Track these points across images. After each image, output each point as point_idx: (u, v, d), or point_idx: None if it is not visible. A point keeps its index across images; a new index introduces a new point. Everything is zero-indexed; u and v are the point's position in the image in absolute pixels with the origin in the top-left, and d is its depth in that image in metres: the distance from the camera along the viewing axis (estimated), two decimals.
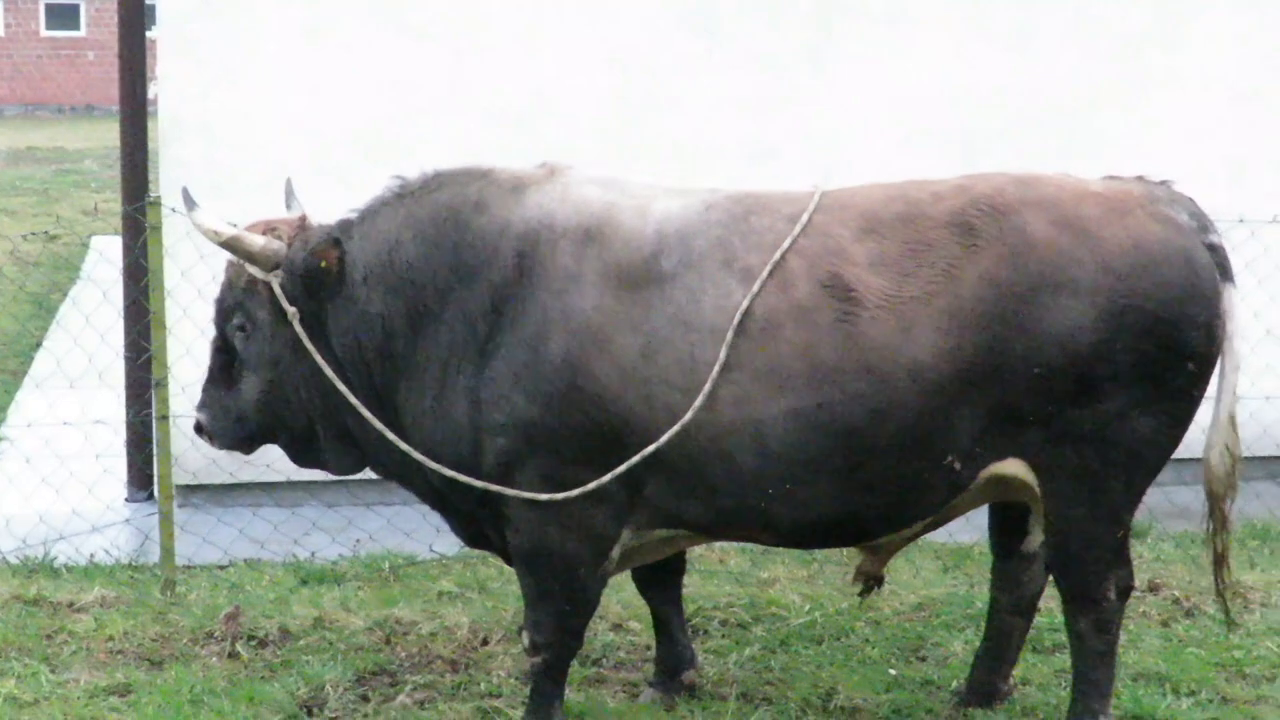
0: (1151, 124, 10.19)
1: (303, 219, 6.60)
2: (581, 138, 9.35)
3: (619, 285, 6.04)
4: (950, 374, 5.86)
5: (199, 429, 6.71)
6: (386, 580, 8.49)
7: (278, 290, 6.36)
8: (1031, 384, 5.88)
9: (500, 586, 8.29)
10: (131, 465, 10.02)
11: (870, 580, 6.74)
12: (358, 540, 9.10)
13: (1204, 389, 6.08)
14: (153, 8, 9.95)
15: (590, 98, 9.81)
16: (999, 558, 6.71)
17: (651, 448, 5.97)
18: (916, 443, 5.93)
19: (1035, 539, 6.52)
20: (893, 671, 7.18)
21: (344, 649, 7.38)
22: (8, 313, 14.22)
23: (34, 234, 12.44)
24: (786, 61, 10.00)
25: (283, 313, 6.36)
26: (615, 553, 6.30)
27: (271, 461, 8.81)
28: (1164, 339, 5.89)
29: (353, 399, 6.32)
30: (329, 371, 6.33)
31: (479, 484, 6.17)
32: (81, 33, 44.63)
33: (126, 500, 9.99)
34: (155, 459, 8.54)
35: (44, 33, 44.37)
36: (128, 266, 9.68)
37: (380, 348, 6.32)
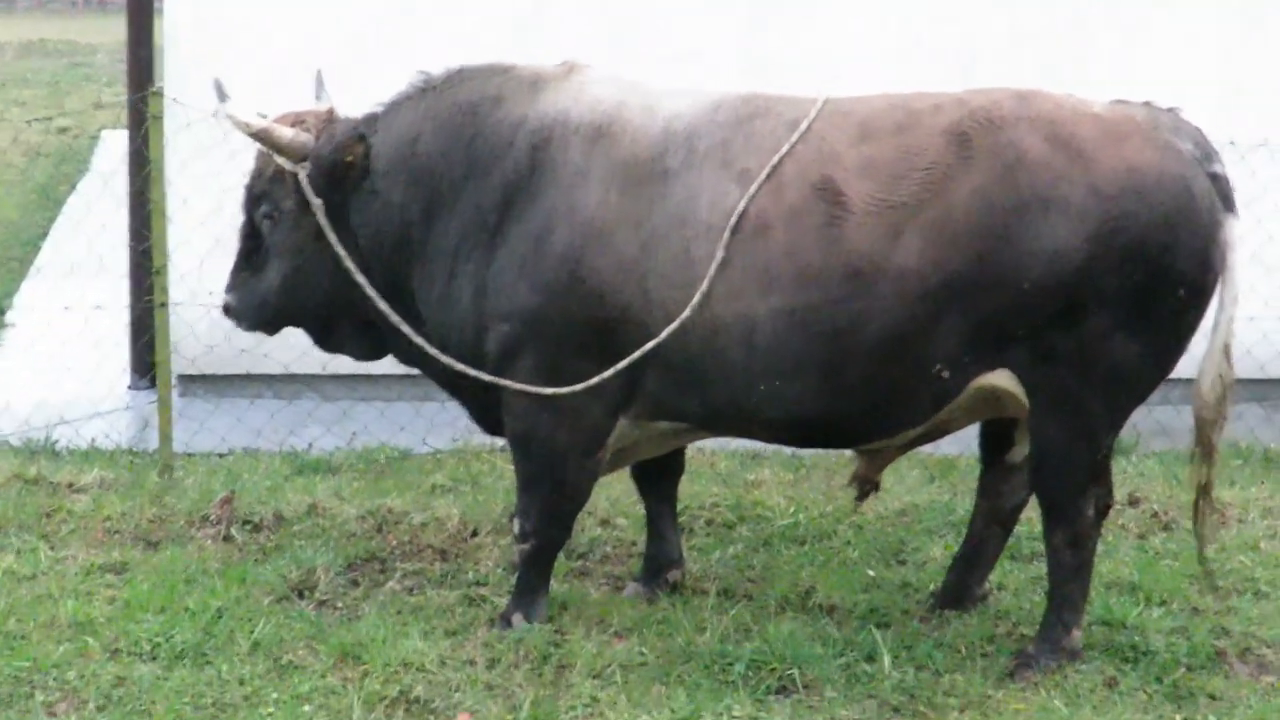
0: (1143, 43, 10.23)
1: (330, 112, 6.75)
2: (578, 43, 9.40)
3: (624, 182, 6.21)
4: (936, 283, 5.96)
5: (227, 310, 6.91)
6: (380, 472, 8.65)
7: (304, 181, 6.53)
8: (1018, 299, 5.97)
9: (491, 481, 8.45)
10: (134, 353, 10.16)
11: (866, 484, 6.90)
12: (354, 433, 9.25)
13: (1196, 317, 6.13)
14: None
15: (589, 5, 9.87)
16: (985, 466, 6.84)
17: (650, 344, 6.14)
18: (900, 349, 6.05)
19: (1020, 451, 6.63)
20: (871, 573, 7.32)
21: (336, 536, 7.53)
22: (14, 203, 14.33)
23: (39, 119, 12.51)
24: None
25: (308, 203, 6.54)
26: (608, 444, 6.47)
27: (269, 352, 8.99)
28: (1153, 265, 5.95)
29: (369, 289, 6.51)
30: (349, 262, 6.52)
31: (480, 375, 6.37)
32: None
33: (129, 387, 10.14)
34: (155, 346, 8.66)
35: None
36: (132, 156, 9.79)
37: (398, 236, 6.52)
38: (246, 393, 9.81)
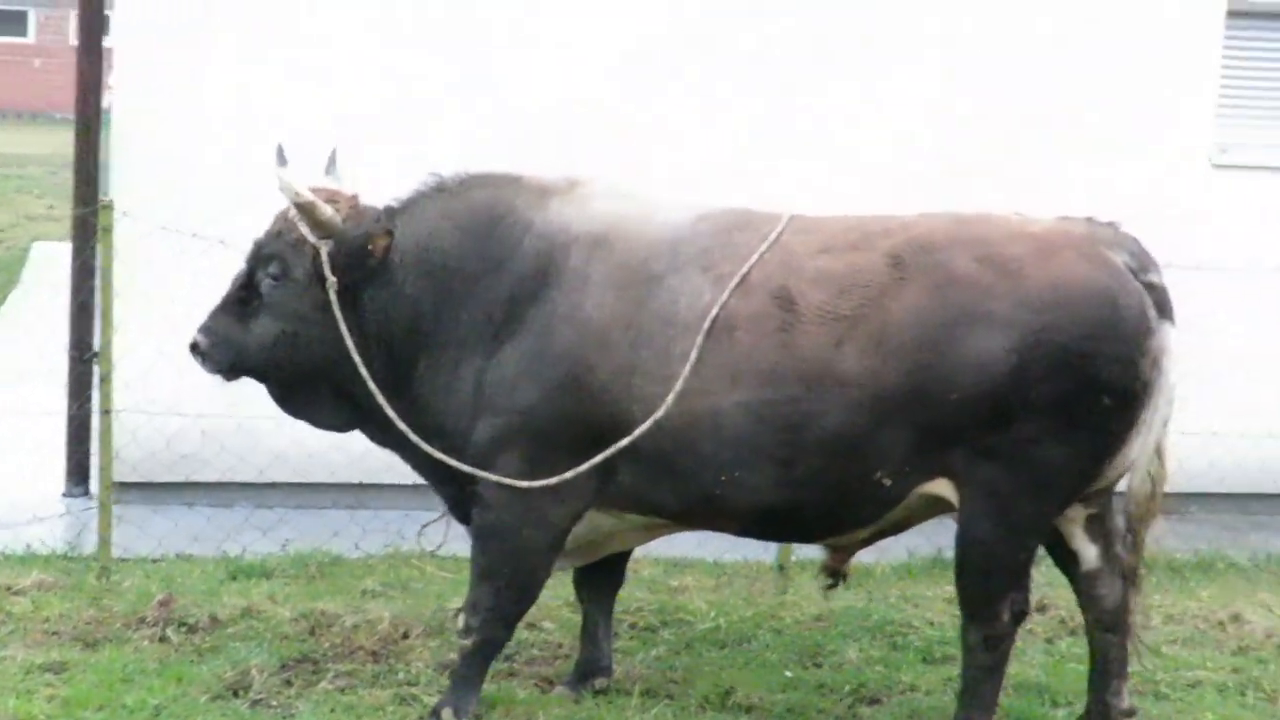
0: (1065, 167, 10.67)
1: (355, 198, 7.08)
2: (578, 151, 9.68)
3: (619, 286, 6.63)
4: (873, 391, 6.35)
5: (194, 347, 7.13)
6: (313, 577, 8.84)
7: (324, 258, 6.84)
8: (952, 408, 6.33)
9: (421, 586, 8.68)
10: (70, 460, 10.34)
11: (834, 575, 7.23)
12: (286, 540, 9.45)
13: (1125, 423, 6.44)
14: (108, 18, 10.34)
15: (588, 114, 10.26)
16: (1072, 580, 7.05)
17: (628, 439, 6.51)
18: (846, 450, 6.42)
19: (1089, 555, 6.88)
20: (789, 674, 7.59)
21: (270, 637, 7.72)
22: None
23: None
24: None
25: (322, 277, 6.85)
26: (566, 545, 6.83)
27: (209, 459, 9.25)
28: (1079, 373, 6.30)
29: (365, 374, 6.81)
30: (351, 347, 6.82)
31: (460, 465, 6.71)
32: (29, 39, 44.75)
33: (63, 494, 10.32)
34: (98, 451, 8.86)
35: None
36: (74, 267, 10.05)
37: (409, 326, 6.88)
38: (181, 500, 10.00)
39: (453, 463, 6.73)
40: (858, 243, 6.56)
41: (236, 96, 10.01)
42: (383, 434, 7.08)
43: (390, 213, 7.00)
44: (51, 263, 9.75)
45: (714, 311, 6.48)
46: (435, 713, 6.85)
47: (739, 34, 10.45)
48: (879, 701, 7.38)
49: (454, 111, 10.08)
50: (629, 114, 10.22)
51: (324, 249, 6.86)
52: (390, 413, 6.83)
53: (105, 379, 8.56)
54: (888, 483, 6.49)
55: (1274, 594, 9.22)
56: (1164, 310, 6.49)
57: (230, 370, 7.17)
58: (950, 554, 9.13)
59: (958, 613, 8.25)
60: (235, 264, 8.30)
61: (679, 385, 6.44)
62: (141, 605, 7.99)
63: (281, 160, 6.96)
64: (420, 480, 9.62)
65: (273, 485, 10.01)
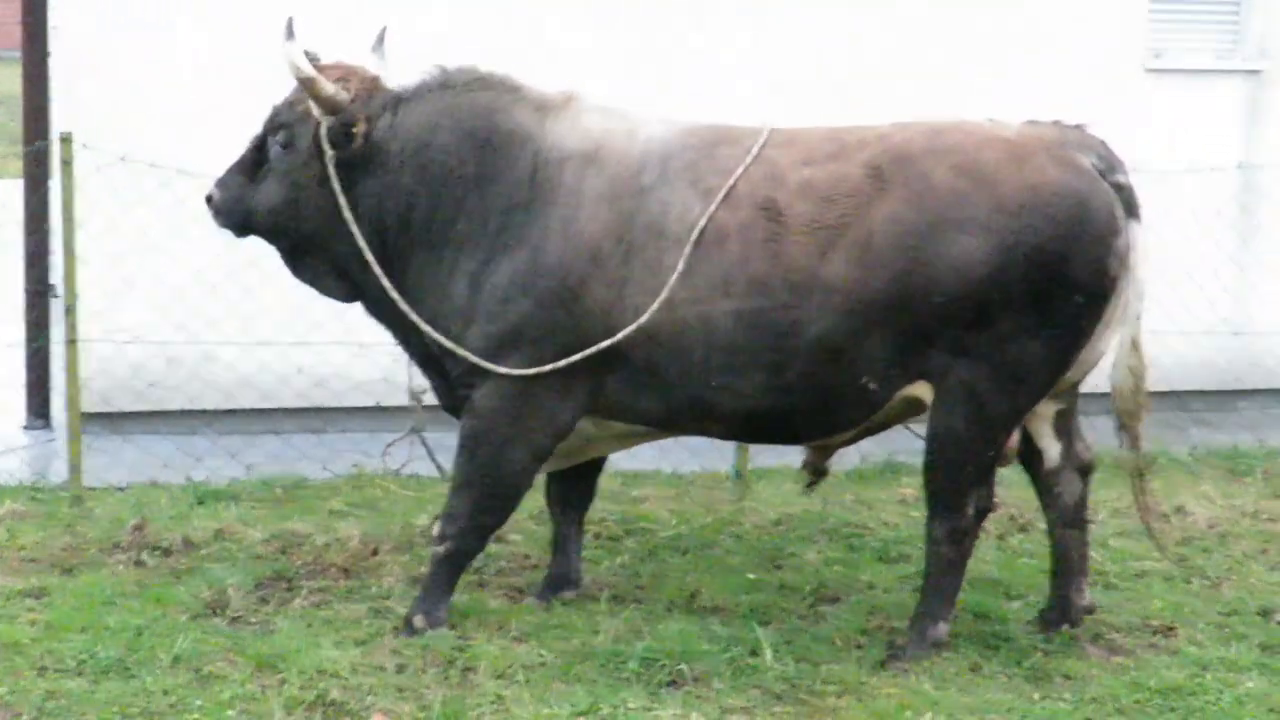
0: (1001, 74, 10.89)
1: (376, 79, 7.22)
2: None
3: (610, 199, 6.83)
4: (859, 298, 6.57)
5: (209, 200, 7.34)
6: (280, 500, 9.01)
7: (324, 132, 7.02)
8: (934, 311, 6.56)
9: (387, 505, 8.87)
10: (30, 393, 10.46)
11: (816, 472, 7.50)
12: (251, 464, 9.61)
13: (1093, 320, 6.69)
14: None
15: (466, 47, 10.29)
16: (1033, 478, 7.31)
17: (615, 338, 6.74)
18: (832, 356, 6.66)
19: (1052, 452, 7.15)
20: (751, 576, 7.82)
21: (243, 558, 7.91)
22: None
23: None
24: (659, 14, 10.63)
25: (321, 150, 7.04)
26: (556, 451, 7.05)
27: (178, 385, 9.42)
28: (1053, 272, 6.54)
29: (369, 254, 7.02)
30: (349, 219, 7.03)
31: (467, 355, 6.89)
32: None
33: (24, 427, 10.44)
34: (63, 382, 8.99)
35: None
36: (27, 199, 10.15)
37: (402, 217, 7.05)
38: (148, 428, 10.13)
39: (459, 350, 6.90)
40: (836, 154, 6.76)
41: (187, 21, 10.09)
42: (377, 309, 7.30)
43: (396, 99, 7.13)
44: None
45: (701, 223, 6.68)
46: (407, 621, 7.05)
47: None
48: (839, 600, 7.61)
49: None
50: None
51: (325, 123, 7.02)
52: (394, 294, 7.03)
53: (70, 310, 8.68)
54: (874, 386, 6.73)
55: (1215, 487, 9.54)
56: (1131, 209, 6.73)
57: (239, 228, 7.37)
58: (902, 459, 9.60)
59: (912, 514, 8.64)
60: (194, 191, 8.50)
61: (664, 294, 6.65)
62: (115, 531, 8.15)
63: (289, 34, 7.02)
64: (383, 401, 9.92)
65: (238, 411, 10.19)
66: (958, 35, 10.99)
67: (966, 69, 10.91)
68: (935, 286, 6.53)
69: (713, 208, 6.70)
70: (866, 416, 6.91)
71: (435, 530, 7.13)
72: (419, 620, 7.04)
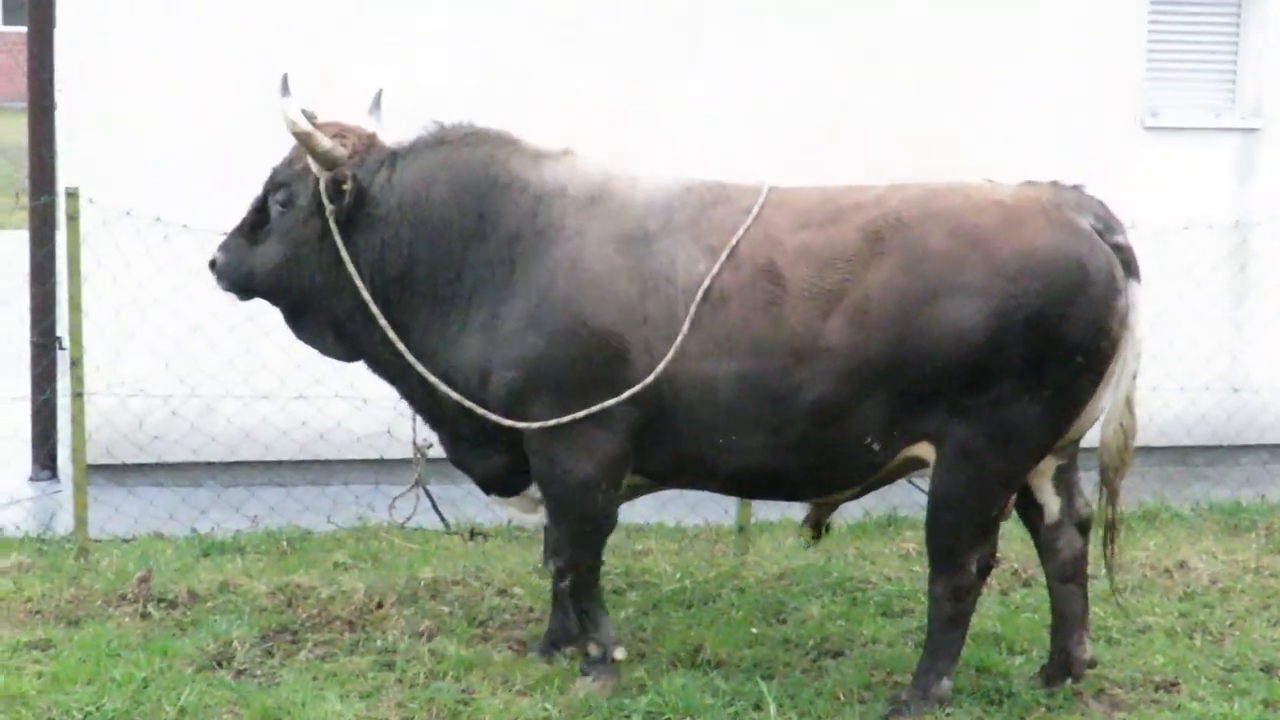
0: (994, 132, 10.98)
1: (373, 135, 7.29)
2: None
3: (616, 241, 6.88)
4: (857, 363, 6.62)
5: (212, 264, 7.40)
6: (284, 552, 9.03)
7: (323, 187, 7.08)
8: (932, 375, 6.61)
9: (391, 558, 8.89)
10: (35, 445, 10.50)
11: (817, 527, 7.56)
12: (256, 516, 9.63)
13: (1093, 381, 6.73)
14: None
15: (456, 98, 10.38)
16: (1033, 533, 7.34)
17: (640, 385, 6.75)
18: (833, 418, 6.70)
19: (1053, 507, 7.18)
20: (754, 630, 7.84)
21: (248, 610, 7.93)
22: None
23: None
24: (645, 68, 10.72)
25: (321, 206, 7.09)
26: (626, 472, 7.06)
27: (179, 439, 9.46)
28: (1051, 335, 6.57)
29: (374, 307, 7.07)
30: (354, 273, 7.08)
31: (487, 414, 6.93)
32: None
33: (30, 479, 10.47)
34: (69, 434, 9.03)
35: None
36: (33, 254, 10.20)
37: (404, 271, 7.09)
38: (152, 480, 10.17)
39: (479, 410, 6.95)
40: (834, 217, 6.81)
41: (191, 79, 10.15)
42: (379, 366, 7.33)
43: (393, 155, 7.20)
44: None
45: (708, 280, 6.73)
46: (584, 653, 7.20)
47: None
48: (842, 654, 7.64)
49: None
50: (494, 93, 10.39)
51: (323, 178, 7.07)
52: (404, 349, 7.05)
53: (76, 363, 8.72)
54: (876, 447, 6.77)
55: (1217, 541, 9.56)
56: (1131, 269, 6.77)
57: (242, 290, 7.42)
58: (904, 513, 9.63)
59: (914, 569, 8.66)
60: (197, 247, 8.58)
61: (678, 341, 6.71)
62: (120, 583, 8.18)
63: (285, 90, 7.08)
64: (386, 454, 9.96)
65: (241, 463, 10.24)
66: (951, 95, 11.06)
67: (960, 130, 10.99)
68: (933, 351, 6.57)
69: (717, 266, 6.75)
70: (868, 476, 6.96)
71: (552, 569, 7.28)
72: (594, 649, 7.17)
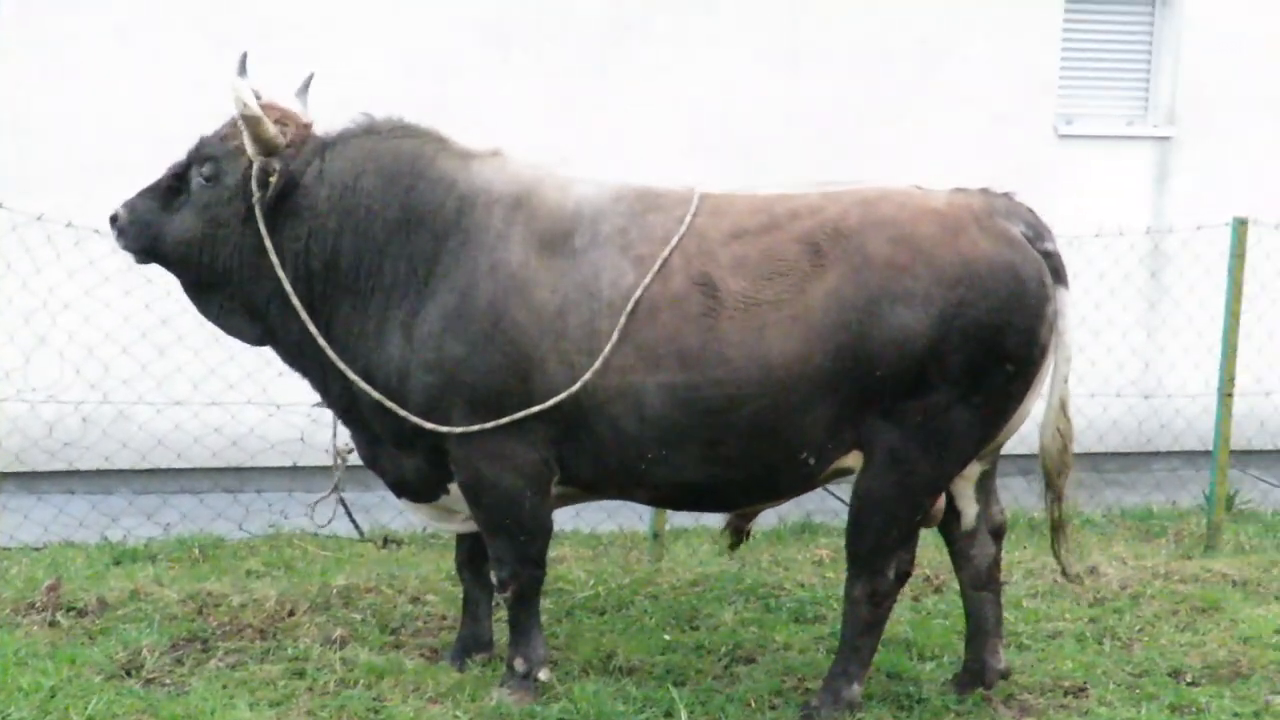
0: (913, 137, 11.05)
1: (309, 126, 7.18)
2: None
3: (540, 248, 6.79)
4: (799, 375, 6.59)
5: (113, 220, 7.24)
6: (196, 559, 8.97)
7: (254, 172, 6.96)
8: (872, 384, 6.60)
9: (304, 566, 8.85)
10: None
11: (738, 533, 7.58)
12: (168, 524, 9.57)
13: (1022, 388, 6.77)
14: None
15: (386, 100, 10.36)
16: (947, 541, 7.35)
17: (554, 400, 6.67)
18: (770, 432, 6.67)
19: (969, 514, 7.20)
20: (667, 636, 7.85)
21: (159, 618, 7.85)
22: None
23: None
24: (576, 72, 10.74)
25: (248, 191, 6.98)
26: (551, 481, 6.98)
27: (91, 445, 9.39)
28: (987, 343, 6.60)
29: (295, 299, 6.95)
30: (277, 263, 6.95)
31: (408, 415, 6.84)
32: None
33: None
34: None
35: None
36: None
37: (327, 262, 6.99)
38: (63, 487, 10.09)
39: (400, 411, 6.86)
40: (768, 226, 6.76)
41: (102, 81, 10.09)
42: (293, 357, 7.23)
43: (322, 145, 7.10)
44: None
45: (637, 293, 6.65)
46: (509, 667, 7.12)
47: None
48: (754, 660, 7.65)
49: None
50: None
51: (257, 163, 6.97)
52: (325, 346, 6.96)
53: None
54: (812, 462, 6.76)
55: (1128, 547, 9.66)
56: (1059, 276, 6.81)
57: (144, 253, 7.28)
58: (819, 519, 9.65)
59: (827, 575, 8.70)
60: (109, 251, 8.51)
61: (599, 361, 6.62)
62: (29, 591, 8.09)
63: (242, 70, 6.98)
64: (300, 461, 9.92)
65: (154, 471, 10.16)
66: (870, 98, 11.14)
67: (878, 132, 11.08)
68: (875, 360, 6.56)
69: (648, 279, 6.67)
70: (802, 488, 6.99)
71: (494, 579, 7.15)
72: (519, 664, 7.10)
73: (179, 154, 7.27)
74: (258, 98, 7.00)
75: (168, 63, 10.05)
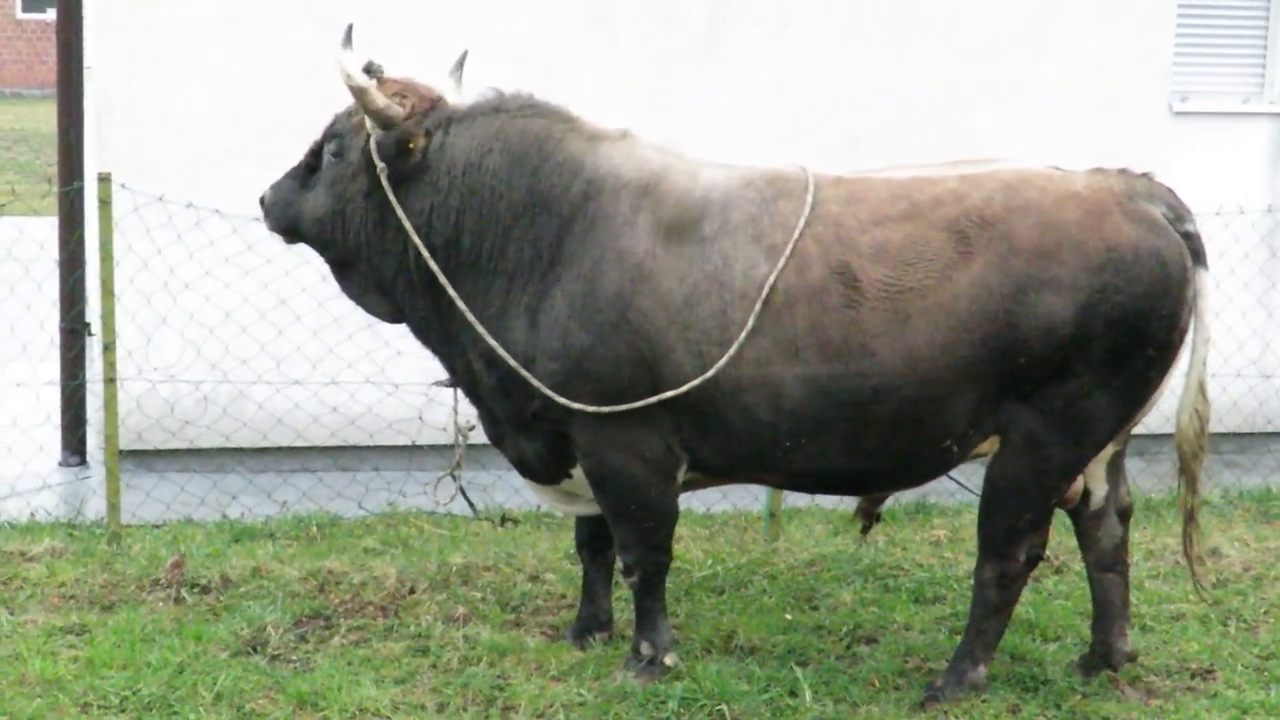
0: (1016, 125, 10.94)
1: (438, 98, 7.13)
2: None
3: (667, 236, 6.75)
4: (945, 365, 6.55)
5: (261, 200, 7.35)
6: (314, 538, 9.04)
7: (373, 145, 6.97)
8: (1016, 371, 6.57)
9: (420, 544, 8.90)
10: (65, 430, 10.51)
11: (869, 516, 7.57)
12: (285, 502, 9.64)
13: (1161, 373, 6.71)
14: None
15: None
16: (1073, 521, 7.30)
17: (685, 387, 6.65)
18: (913, 422, 6.64)
19: (1099, 495, 7.15)
20: (788, 616, 7.84)
21: (281, 596, 7.93)
22: None
23: None
24: (679, 58, 10.69)
25: (371, 164, 6.99)
26: (680, 469, 6.97)
27: (212, 424, 9.49)
28: (1131, 329, 6.54)
29: (435, 265, 6.94)
30: (410, 230, 6.95)
31: (540, 385, 6.80)
32: None
33: (59, 464, 10.45)
34: (101, 420, 9.04)
35: None
36: (61, 238, 10.20)
37: (448, 238, 6.97)
38: (183, 466, 10.18)
39: (534, 381, 6.81)
40: (909, 214, 6.68)
41: (221, 63, 10.15)
42: (423, 332, 7.23)
43: (448, 119, 7.05)
44: (14, 240, 9.77)
45: (770, 281, 6.59)
46: (635, 651, 7.14)
47: None
48: (875, 641, 7.63)
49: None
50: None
51: (374, 136, 6.97)
52: (468, 312, 6.92)
53: (109, 348, 8.74)
54: (955, 449, 6.75)
55: (1249, 529, 9.55)
56: (1199, 257, 6.73)
57: (288, 233, 7.36)
58: (933, 499, 9.59)
59: (945, 555, 8.68)
60: (229, 232, 8.59)
61: (733, 350, 6.58)
62: (153, 568, 8.19)
63: (347, 42, 6.95)
64: (418, 440, 9.97)
65: (271, 449, 10.25)
66: (979, 81, 11.02)
67: (986, 115, 10.96)
68: (1021, 348, 6.52)
69: (780, 266, 6.61)
70: (940, 473, 6.97)
71: (620, 565, 7.17)
72: (645, 648, 7.12)
73: (289, 140, 7.32)
74: (379, 71, 6.98)
75: (278, 48, 10.08)
